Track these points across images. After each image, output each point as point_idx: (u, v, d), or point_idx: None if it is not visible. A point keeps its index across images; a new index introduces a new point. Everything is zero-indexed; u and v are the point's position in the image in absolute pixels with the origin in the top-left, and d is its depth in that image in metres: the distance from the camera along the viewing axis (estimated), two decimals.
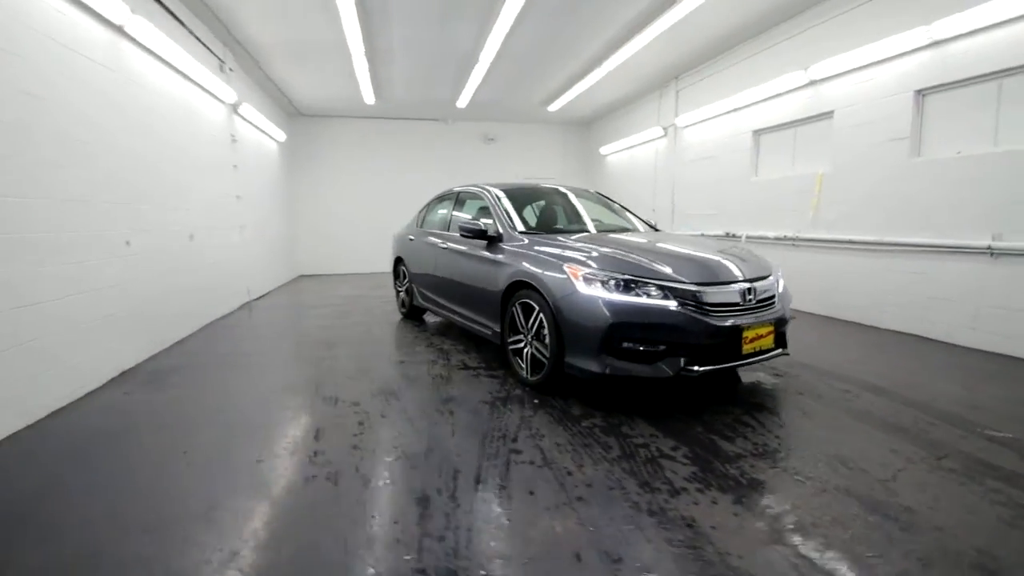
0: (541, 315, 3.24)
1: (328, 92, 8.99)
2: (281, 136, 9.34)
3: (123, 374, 3.83)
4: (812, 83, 5.80)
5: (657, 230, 4.64)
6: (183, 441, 2.68)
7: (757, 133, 6.82)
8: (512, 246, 3.76)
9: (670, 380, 2.91)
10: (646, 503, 2.04)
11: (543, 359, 3.27)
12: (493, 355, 4.30)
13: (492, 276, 3.83)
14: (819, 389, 3.44)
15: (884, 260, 5.11)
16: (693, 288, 2.89)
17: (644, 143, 9.71)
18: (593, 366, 2.92)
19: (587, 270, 3.02)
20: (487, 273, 3.91)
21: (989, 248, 4.15)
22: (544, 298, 3.20)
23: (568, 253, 3.27)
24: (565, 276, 3.09)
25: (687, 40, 6.78)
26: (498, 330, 3.80)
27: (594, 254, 3.18)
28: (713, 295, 2.91)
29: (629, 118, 10.21)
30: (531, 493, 2.13)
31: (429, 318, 5.99)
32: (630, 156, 10.35)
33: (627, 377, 2.86)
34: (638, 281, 2.91)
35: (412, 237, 5.70)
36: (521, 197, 4.54)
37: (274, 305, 7.20)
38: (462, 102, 9.56)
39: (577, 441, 2.63)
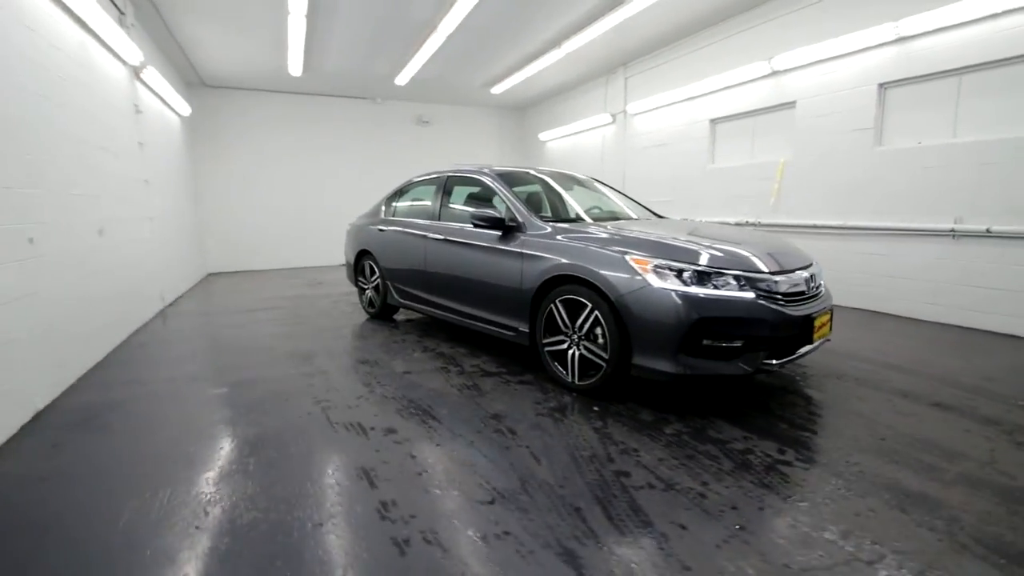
0: (596, 313, 2.91)
1: (246, 59, 7.73)
2: (185, 109, 7.88)
3: (37, 418, 2.86)
4: (775, 73, 6.02)
5: (661, 217, 4.49)
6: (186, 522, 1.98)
7: (715, 122, 7.00)
8: (537, 237, 3.36)
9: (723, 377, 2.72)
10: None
11: (598, 361, 2.95)
12: (510, 357, 3.88)
13: (514, 271, 3.41)
14: (844, 369, 3.52)
15: (847, 243, 5.47)
16: (769, 277, 2.74)
17: (590, 130, 9.65)
18: (669, 367, 2.66)
19: (658, 261, 2.74)
20: (506, 268, 3.48)
21: (952, 231, 4.56)
22: (601, 294, 2.87)
23: (620, 243, 2.96)
24: (630, 269, 2.79)
25: (639, 28, 6.73)
26: (525, 330, 3.41)
27: (653, 242, 2.90)
28: (785, 284, 2.78)
29: (572, 104, 10.09)
30: (683, 527, 1.81)
31: (401, 316, 5.37)
32: (573, 143, 10.25)
33: (695, 376, 2.64)
34: (715, 272, 2.69)
35: (382, 227, 5.03)
36: (520, 182, 4.14)
37: (199, 312, 6.04)
38: (402, 79, 8.77)
39: (678, 454, 2.36)
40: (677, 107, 7.51)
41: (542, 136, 11.10)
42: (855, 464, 2.25)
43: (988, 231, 4.32)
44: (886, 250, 5.12)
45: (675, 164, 7.70)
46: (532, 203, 3.93)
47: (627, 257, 2.83)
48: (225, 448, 2.49)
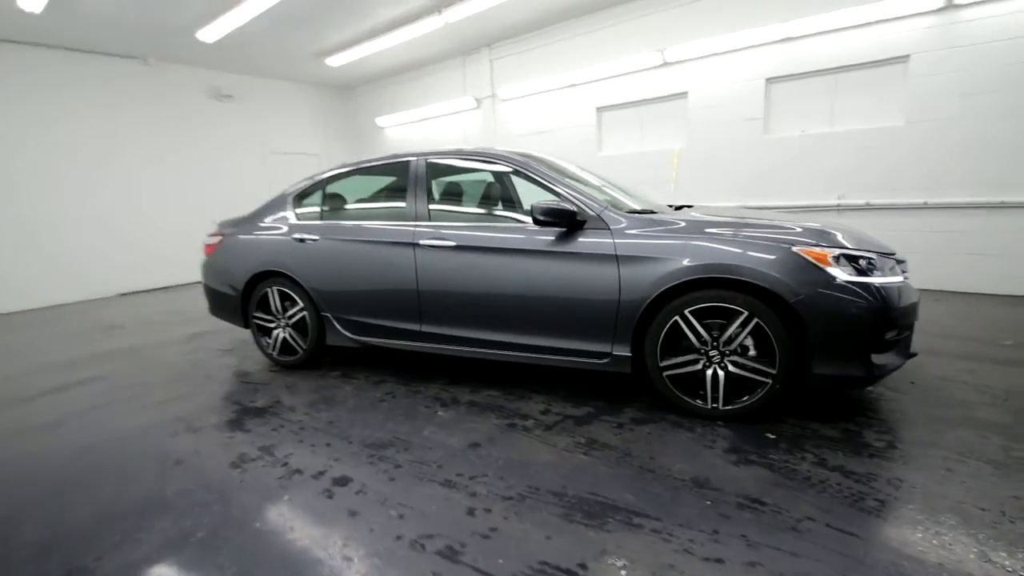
0: (756, 320, 2.37)
1: None
2: None
3: None
4: (666, 64, 6.28)
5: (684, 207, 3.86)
6: None
7: (601, 110, 7.02)
8: (633, 233, 2.62)
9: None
10: None
11: (759, 379, 2.42)
12: (567, 389, 3.00)
13: (606, 280, 2.58)
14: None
15: None
16: (900, 263, 2.62)
17: (446, 115, 8.77)
18: (862, 370, 2.31)
19: (838, 251, 2.34)
20: (591, 277, 2.62)
21: (838, 205, 5.44)
22: (766, 296, 2.34)
23: (758, 233, 2.46)
24: (804, 262, 2.31)
25: (508, 8, 6.29)
26: (625, 354, 2.63)
27: (811, 230, 2.47)
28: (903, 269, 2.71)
29: (419, 85, 9.01)
30: None
31: (329, 354, 3.80)
32: (425, 129, 9.20)
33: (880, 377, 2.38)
34: (882, 257, 2.43)
35: (303, 237, 3.43)
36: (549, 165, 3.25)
37: None
38: (209, 34, 6.38)
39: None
40: (560, 93, 7.30)
41: (381, 121, 9.68)
42: None
43: (867, 204, 5.28)
44: None
45: (559, 152, 7.50)
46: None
47: (796, 249, 2.36)
48: None
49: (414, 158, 3.30)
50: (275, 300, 3.60)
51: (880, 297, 2.29)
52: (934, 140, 4.87)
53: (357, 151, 10.39)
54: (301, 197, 3.69)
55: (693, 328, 2.48)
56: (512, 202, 3.51)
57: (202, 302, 4.13)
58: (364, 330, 3.35)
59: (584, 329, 2.71)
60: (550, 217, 2.65)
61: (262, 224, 3.72)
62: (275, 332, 3.66)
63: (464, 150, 3.31)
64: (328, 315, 3.43)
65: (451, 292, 3.00)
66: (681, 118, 6.36)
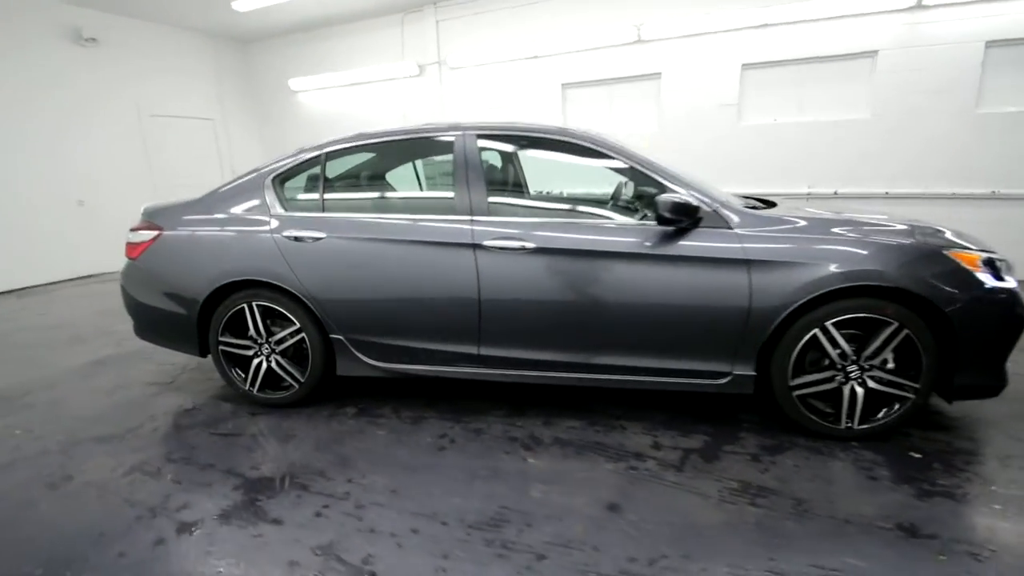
0: (905, 331, 2.14)
1: None
2: None
3: None
4: (640, 41, 5.96)
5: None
6: None
7: (567, 86, 6.55)
8: (760, 232, 2.24)
9: None
10: None
11: (899, 393, 2.21)
12: (663, 412, 2.56)
13: (734, 288, 2.19)
14: None
15: None
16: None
17: (382, 81, 7.67)
18: (996, 379, 2.21)
19: (984, 254, 2.17)
20: (715, 284, 2.21)
21: (808, 194, 5.62)
22: (919, 305, 2.11)
23: (896, 231, 2.23)
24: (956, 267, 2.11)
25: None
26: (748, 373, 2.28)
27: (950, 230, 2.29)
28: None
29: (347, 44, 7.76)
30: None
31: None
32: (352, 97, 7.99)
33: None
34: (1001, 260, 2.33)
35: (304, 234, 2.54)
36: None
37: None
38: None
39: None
40: (521, 65, 6.66)
41: (295, 84, 8.23)
42: None
43: (835, 193, 5.53)
44: None
45: None
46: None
47: (947, 252, 2.15)
48: None
49: (458, 133, 2.57)
50: (256, 319, 2.66)
51: (1019, 301, 2.18)
52: (897, 134, 5.19)
53: (263, 118, 8.78)
54: (285, 179, 2.75)
55: (834, 341, 2.20)
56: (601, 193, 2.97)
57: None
58: (394, 355, 2.60)
59: (702, 345, 2.31)
60: (677, 214, 2.17)
61: (226, 215, 2.72)
62: (255, 362, 2.73)
63: (531, 125, 2.65)
64: (340, 337, 2.61)
65: (529, 306, 2.38)
66: (654, 100, 6.14)
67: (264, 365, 2.73)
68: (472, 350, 2.50)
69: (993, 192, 4.92)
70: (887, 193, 5.32)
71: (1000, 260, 2.24)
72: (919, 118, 5.08)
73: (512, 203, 2.67)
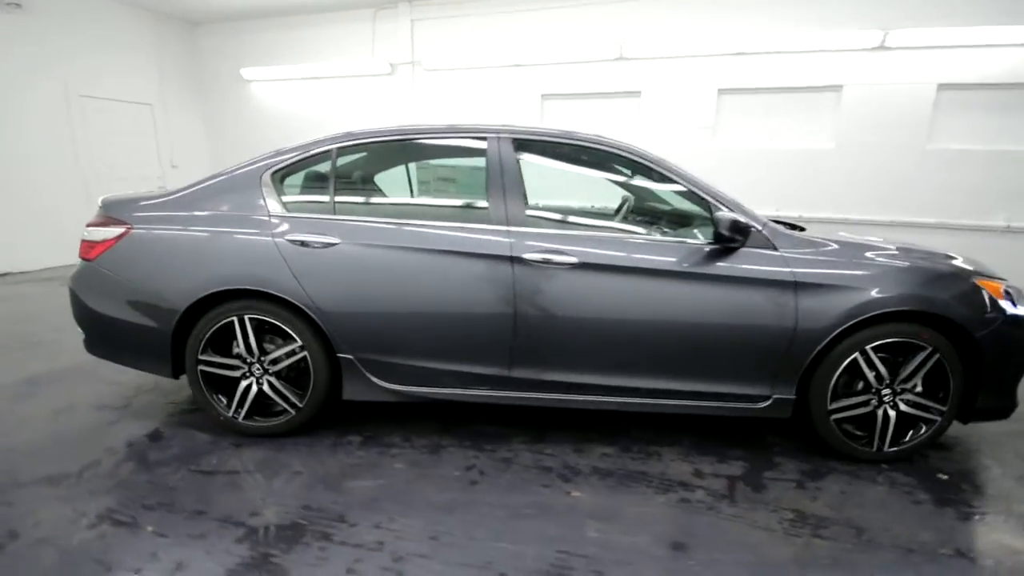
0: (937, 355, 2.18)
1: None
2: None
3: None
4: (623, 59, 6.01)
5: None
6: None
7: (546, 97, 6.49)
8: (803, 254, 2.22)
9: None
10: None
11: (927, 415, 2.26)
12: (689, 436, 2.47)
13: (780, 309, 2.15)
14: None
15: None
16: None
17: (348, 77, 7.26)
18: (1008, 401, 2.31)
19: (1007, 284, 2.26)
20: (761, 305, 2.16)
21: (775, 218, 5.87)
22: (950, 330, 2.16)
23: (922, 258, 2.29)
24: (982, 295, 2.19)
25: None
26: (788, 396, 2.24)
27: (964, 258, 2.38)
28: None
29: (311, 36, 7.28)
30: None
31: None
32: (314, 90, 7.49)
33: None
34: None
35: (312, 239, 2.23)
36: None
37: None
38: None
39: None
40: (501, 72, 6.52)
41: (248, 73, 7.62)
42: None
43: (799, 217, 5.80)
44: None
45: None
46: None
47: (975, 280, 2.22)
48: None
49: (491, 135, 2.37)
50: (247, 335, 2.30)
51: None
52: (858, 164, 5.54)
53: (209, 107, 8.05)
54: (287, 175, 2.42)
55: (872, 365, 2.21)
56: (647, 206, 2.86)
57: None
58: (413, 377, 2.34)
59: (745, 368, 2.25)
60: (735, 233, 2.10)
61: (214, 213, 2.35)
62: (243, 384, 2.36)
63: (569, 131, 2.50)
64: (349, 357, 2.31)
65: (568, 324, 2.22)
66: (633, 117, 6.21)
67: (254, 388, 2.37)
68: (502, 371, 2.30)
69: (941, 222, 5.38)
70: (847, 219, 5.66)
71: (1014, 288, 2.36)
72: (877, 150, 5.46)
73: (549, 216, 2.51)
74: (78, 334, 2.53)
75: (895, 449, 2.31)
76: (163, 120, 7.54)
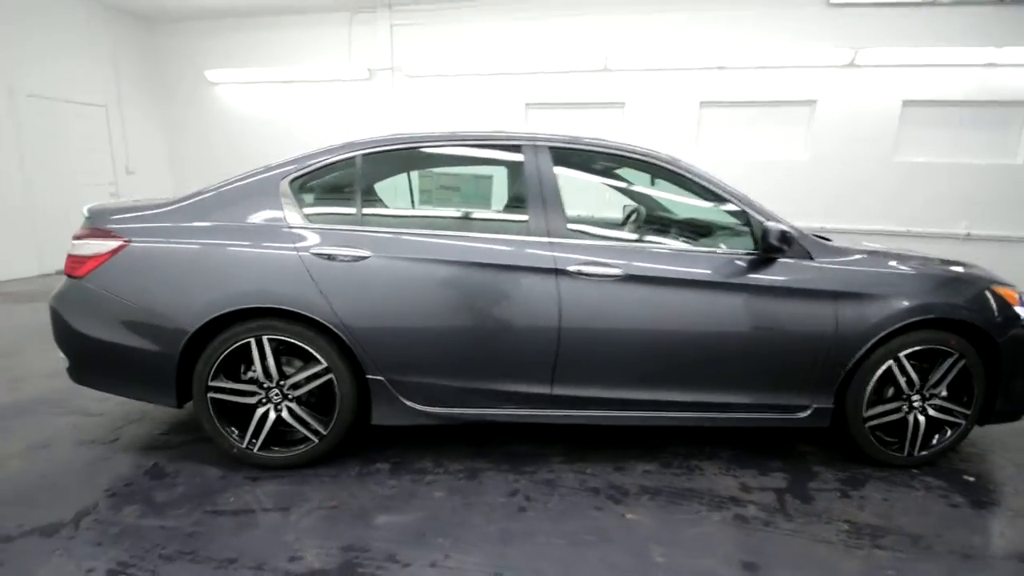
0: (963, 361, 2.25)
1: None
2: None
3: None
4: (607, 70, 6.07)
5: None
6: None
7: (530, 106, 6.47)
8: (837, 263, 2.25)
9: None
10: None
11: (953, 419, 2.33)
12: (725, 448, 2.44)
13: (820, 319, 2.17)
14: None
15: None
16: None
17: (323, 82, 7.00)
18: (1019, 405, 2.42)
19: (1018, 291, 2.36)
20: (801, 315, 2.17)
21: None
22: (975, 337, 2.24)
23: (939, 267, 2.37)
24: (1002, 303, 2.28)
25: None
26: (827, 405, 2.26)
27: (971, 264, 2.47)
28: None
29: (282, 38, 6.99)
30: None
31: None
32: (286, 95, 7.19)
33: None
34: None
35: (340, 252, 2.06)
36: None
37: None
38: None
39: None
40: (484, 80, 6.46)
41: (213, 76, 7.22)
42: None
43: None
44: None
45: None
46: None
47: (993, 287, 2.31)
48: None
49: (526, 143, 2.29)
50: (265, 357, 2.11)
51: None
52: (830, 174, 5.81)
53: (169, 110, 7.55)
54: (307, 182, 2.25)
55: (904, 372, 2.26)
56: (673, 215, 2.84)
57: None
58: (449, 398, 2.20)
59: (788, 378, 2.25)
60: (782, 243, 2.10)
61: (226, 224, 2.14)
62: (260, 411, 2.15)
63: (607, 141, 2.44)
64: (380, 378, 2.15)
65: (615, 338, 2.15)
66: (616, 128, 6.28)
67: (272, 415, 2.17)
68: (544, 389, 2.20)
69: (907, 230, 5.70)
70: (822, 228, 5.91)
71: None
72: (848, 162, 5.75)
73: (592, 230, 2.44)
74: (58, 360, 2.25)
75: (925, 453, 2.37)
76: (118, 123, 7.01)
